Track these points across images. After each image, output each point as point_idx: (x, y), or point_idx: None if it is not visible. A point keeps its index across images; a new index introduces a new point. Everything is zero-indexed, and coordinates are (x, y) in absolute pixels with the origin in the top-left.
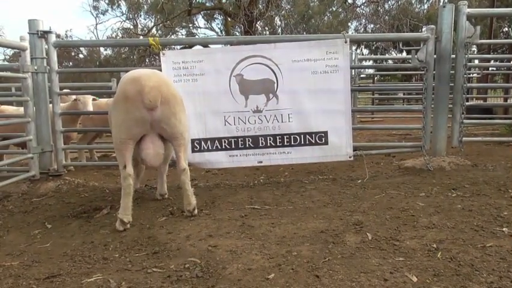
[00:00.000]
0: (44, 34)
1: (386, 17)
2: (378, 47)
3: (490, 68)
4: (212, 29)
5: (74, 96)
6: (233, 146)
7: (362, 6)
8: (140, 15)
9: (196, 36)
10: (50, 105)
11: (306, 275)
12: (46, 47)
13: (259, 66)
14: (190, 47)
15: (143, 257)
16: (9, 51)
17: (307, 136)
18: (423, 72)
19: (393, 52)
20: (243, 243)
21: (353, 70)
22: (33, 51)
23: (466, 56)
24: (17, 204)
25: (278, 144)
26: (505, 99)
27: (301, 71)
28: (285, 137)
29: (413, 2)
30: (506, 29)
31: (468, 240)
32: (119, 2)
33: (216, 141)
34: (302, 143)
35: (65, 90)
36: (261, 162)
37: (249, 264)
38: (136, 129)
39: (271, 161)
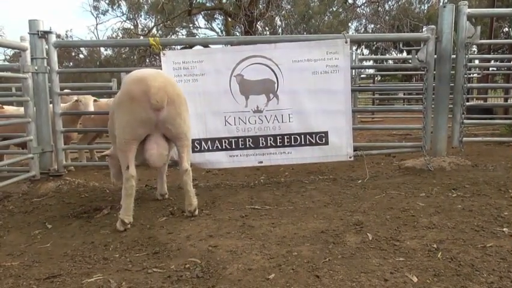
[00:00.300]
0: (45, 34)
1: (387, 17)
2: (378, 47)
3: (490, 68)
4: (212, 29)
5: (75, 97)
6: (233, 146)
7: (362, 7)
8: (141, 16)
9: (197, 37)
10: (51, 105)
11: (306, 275)
12: (46, 47)
13: (259, 67)
14: (191, 47)
15: (144, 257)
16: (10, 52)
17: (307, 136)
18: (423, 72)
19: (393, 52)
20: (243, 244)
21: (354, 70)
22: (34, 52)
23: (466, 56)
24: (17, 205)
25: (278, 144)
26: (505, 100)
27: (302, 71)
28: (285, 137)
29: (413, 2)
30: (507, 29)
31: (468, 240)
32: (120, 2)
33: (216, 142)
34: (302, 143)
35: (65, 91)
36: (262, 162)
37: (249, 264)
38: (141, 130)
39: (272, 161)
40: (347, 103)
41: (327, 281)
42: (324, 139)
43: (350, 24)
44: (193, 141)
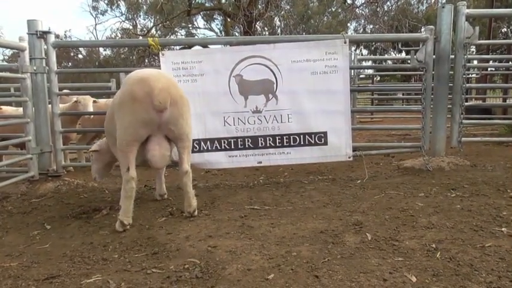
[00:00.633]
0: (43, 34)
1: (385, 18)
2: (377, 48)
3: (489, 69)
4: (211, 30)
5: (74, 97)
6: (232, 147)
7: (361, 7)
8: (140, 16)
9: (196, 37)
10: (49, 105)
11: (305, 276)
12: (45, 47)
13: (258, 67)
14: (190, 47)
15: (143, 258)
16: (8, 52)
17: (306, 136)
18: (422, 72)
19: (392, 52)
20: (242, 244)
21: (352, 70)
22: (32, 52)
23: (465, 56)
24: (16, 205)
25: (278, 144)
26: (504, 100)
27: (301, 72)
28: (284, 137)
29: (412, 2)
30: (505, 29)
31: (467, 240)
32: (119, 2)
33: (216, 142)
34: (302, 143)
35: (64, 91)
36: (261, 162)
37: (248, 264)
38: (143, 131)
39: (271, 162)
40: (346, 103)
41: (326, 281)
42: (323, 139)
43: (348, 24)
44: (192, 141)
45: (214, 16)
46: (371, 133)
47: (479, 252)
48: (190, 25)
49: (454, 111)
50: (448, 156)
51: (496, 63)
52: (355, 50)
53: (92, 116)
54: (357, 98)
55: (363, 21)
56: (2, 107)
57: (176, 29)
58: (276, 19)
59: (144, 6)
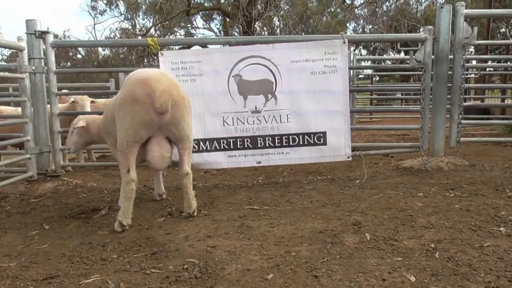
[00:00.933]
0: (42, 34)
1: (384, 18)
2: (376, 48)
3: (488, 69)
4: (211, 30)
5: (72, 97)
6: (232, 147)
7: (360, 7)
8: (139, 16)
9: (195, 37)
10: (48, 105)
11: (304, 275)
12: (44, 47)
13: (257, 67)
14: (189, 47)
15: (142, 258)
16: (7, 52)
17: (305, 136)
18: (421, 72)
19: (391, 53)
20: (241, 244)
21: (352, 71)
22: (31, 52)
23: (464, 56)
24: (14, 205)
25: (277, 144)
26: (502, 100)
27: (300, 72)
28: (283, 137)
29: (410, 3)
30: (504, 29)
31: (466, 240)
32: (118, 2)
33: (215, 142)
34: (301, 143)
35: (63, 91)
36: (260, 162)
37: (247, 264)
38: (144, 132)
39: (270, 162)
40: (345, 103)
41: (326, 281)
42: (322, 139)
43: (347, 24)
44: None
45: (214, 16)
46: (370, 133)
47: (477, 252)
48: (189, 25)
49: (453, 111)
50: (446, 156)
51: (495, 64)
52: (354, 50)
53: None
54: (356, 98)
55: (362, 21)
56: (0, 107)
57: (175, 29)
58: (275, 19)
59: (143, 6)
